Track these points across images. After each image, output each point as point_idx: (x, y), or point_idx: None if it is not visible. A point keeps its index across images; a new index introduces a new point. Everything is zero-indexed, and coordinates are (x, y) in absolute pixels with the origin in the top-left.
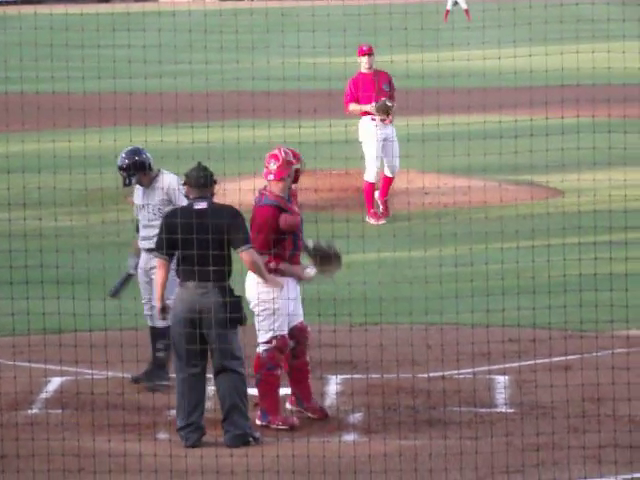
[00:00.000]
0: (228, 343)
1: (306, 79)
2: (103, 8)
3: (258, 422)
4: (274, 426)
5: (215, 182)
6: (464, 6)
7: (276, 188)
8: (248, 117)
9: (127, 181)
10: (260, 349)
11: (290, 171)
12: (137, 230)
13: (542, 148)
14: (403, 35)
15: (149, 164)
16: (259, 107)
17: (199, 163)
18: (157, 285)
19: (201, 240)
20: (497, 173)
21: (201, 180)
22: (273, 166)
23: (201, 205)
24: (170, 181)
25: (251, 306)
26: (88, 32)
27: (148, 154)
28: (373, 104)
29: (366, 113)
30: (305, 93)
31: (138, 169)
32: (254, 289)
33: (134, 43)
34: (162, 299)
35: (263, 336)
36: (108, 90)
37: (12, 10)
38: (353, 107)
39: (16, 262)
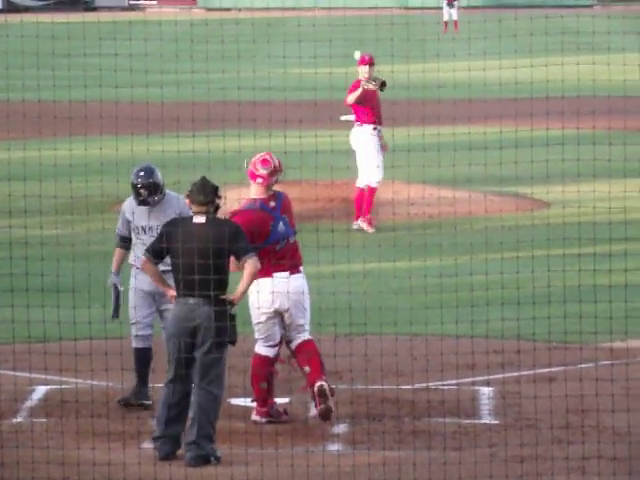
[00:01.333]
0: (212, 362)
1: (292, 89)
2: (89, 17)
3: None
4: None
5: (219, 197)
6: (455, 17)
7: (258, 191)
8: (234, 127)
9: (147, 201)
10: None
11: (276, 178)
12: (121, 246)
13: (527, 159)
14: (389, 46)
15: (162, 184)
16: (245, 117)
17: (203, 177)
18: (153, 277)
19: (196, 254)
20: (482, 184)
21: (201, 197)
22: (263, 171)
23: (200, 219)
24: (183, 204)
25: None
26: (74, 41)
27: (160, 173)
28: (366, 83)
29: (367, 122)
30: (291, 103)
31: (154, 191)
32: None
33: (120, 52)
34: (165, 284)
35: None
36: (94, 99)
37: None
38: (352, 95)
39: (1, 270)
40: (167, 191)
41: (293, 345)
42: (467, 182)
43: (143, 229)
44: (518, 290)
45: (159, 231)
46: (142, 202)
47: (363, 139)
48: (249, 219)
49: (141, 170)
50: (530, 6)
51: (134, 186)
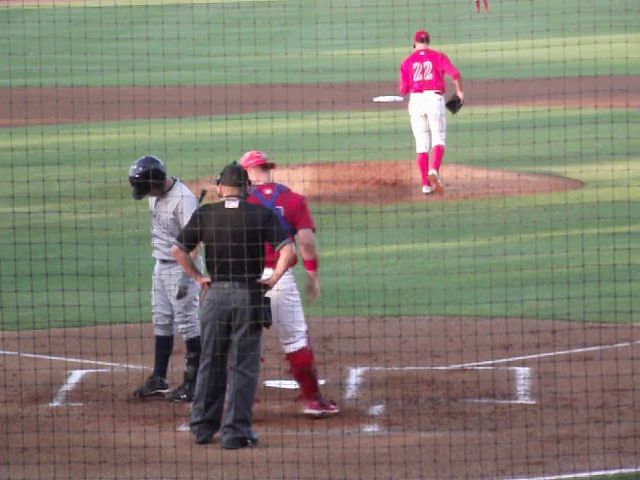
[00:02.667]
0: (248, 345)
1: (324, 71)
2: (121, 1)
3: (317, 411)
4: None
5: (249, 183)
6: None
7: (255, 174)
8: (266, 109)
9: (136, 196)
10: (302, 343)
11: (271, 163)
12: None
13: (560, 139)
14: (421, 27)
15: (162, 175)
16: (277, 99)
17: (234, 162)
18: (184, 266)
19: (231, 238)
20: (515, 164)
21: (234, 177)
22: (255, 152)
23: (232, 204)
24: (181, 202)
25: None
26: (107, 25)
27: (161, 164)
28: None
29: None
30: (323, 85)
31: (146, 189)
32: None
33: (153, 36)
34: (197, 272)
35: (301, 326)
36: (127, 83)
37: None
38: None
39: (36, 255)
40: (179, 184)
41: (286, 351)
42: (500, 162)
43: (152, 215)
44: (552, 270)
45: (191, 216)
46: (134, 196)
47: (434, 104)
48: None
49: (133, 165)
50: None
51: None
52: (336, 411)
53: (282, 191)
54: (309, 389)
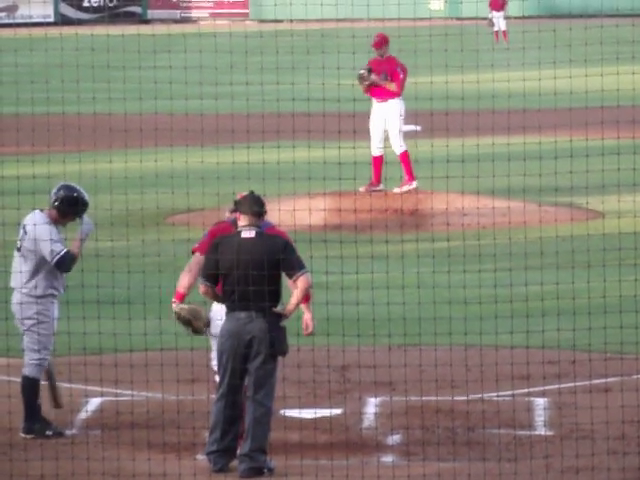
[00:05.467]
0: (265, 374)
1: (346, 100)
2: (144, 30)
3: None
4: None
5: (265, 212)
6: (503, 27)
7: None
8: (288, 138)
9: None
10: None
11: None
12: None
13: (582, 169)
14: (443, 56)
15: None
16: (299, 128)
17: (251, 192)
18: (217, 302)
19: (247, 268)
20: (537, 194)
21: (255, 207)
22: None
23: (249, 234)
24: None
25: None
26: (129, 53)
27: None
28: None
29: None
30: (345, 114)
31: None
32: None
33: (175, 64)
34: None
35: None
36: (149, 111)
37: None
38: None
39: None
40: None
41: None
42: (521, 192)
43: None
44: (574, 300)
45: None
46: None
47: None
48: (224, 230)
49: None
50: (583, 16)
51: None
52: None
53: (266, 225)
54: None
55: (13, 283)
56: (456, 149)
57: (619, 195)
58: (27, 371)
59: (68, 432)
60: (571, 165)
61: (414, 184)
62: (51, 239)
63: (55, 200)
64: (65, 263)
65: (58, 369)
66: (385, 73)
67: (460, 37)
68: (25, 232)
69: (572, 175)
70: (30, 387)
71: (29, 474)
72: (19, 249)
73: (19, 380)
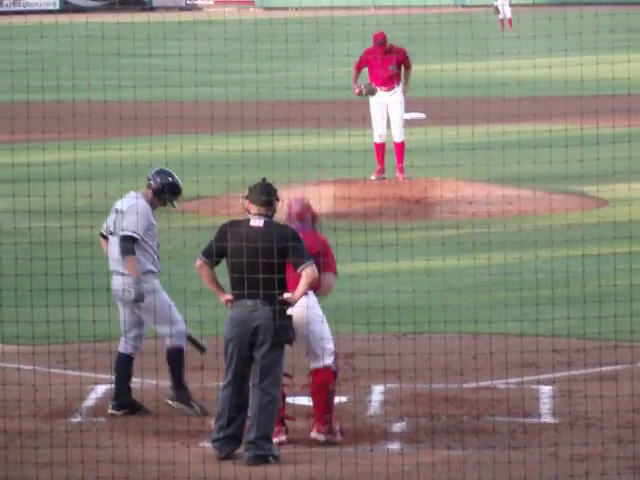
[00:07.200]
0: (271, 362)
1: None
2: (154, 17)
3: (322, 437)
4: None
5: (277, 199)
6: (508, 15)
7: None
8: (298, 126)
9: (172, 204)
10: (328, 361)
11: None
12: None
13: (593, 157)
14: (453, 44)
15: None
16: (309, 116)
17: (264, 179)
18: (208, 281)
19: (254, 256)
20: (547, 182)
21: (264, 196)
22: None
23: (258, 222)
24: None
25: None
26: (139, 41)
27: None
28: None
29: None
30: (355, 102)
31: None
32: (303, 301)
33: (185, 52)
34: (220, 289)
35: (329, 344)
36: (159, 99)
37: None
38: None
39: (67, 270)
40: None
41: (311, 366)
42: (531, 180)
43: (153, 229)
44: (584, 288)
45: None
46: (169, 204)
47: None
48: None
49: (171, 175)
50: (592, 3)
51: (179, 189)
52: (339, 440)
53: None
54: (322, 409)
55: (114, 266)
56: (466, 137)
57: (630, 183)
58: (168, 343)
59: (78, 419)
60: (582, 153)
61: (383, 175)
62: (139, 218)
63: (157, 185)
64: (126, 243)
65: (69, 356)
66: (394, 64)
67: (470, 25)
68: (120, 212)
69: (582, 163)
70: (176, 357)
71: (38, 462)
72: (112, 233)
73: (29, 368)
